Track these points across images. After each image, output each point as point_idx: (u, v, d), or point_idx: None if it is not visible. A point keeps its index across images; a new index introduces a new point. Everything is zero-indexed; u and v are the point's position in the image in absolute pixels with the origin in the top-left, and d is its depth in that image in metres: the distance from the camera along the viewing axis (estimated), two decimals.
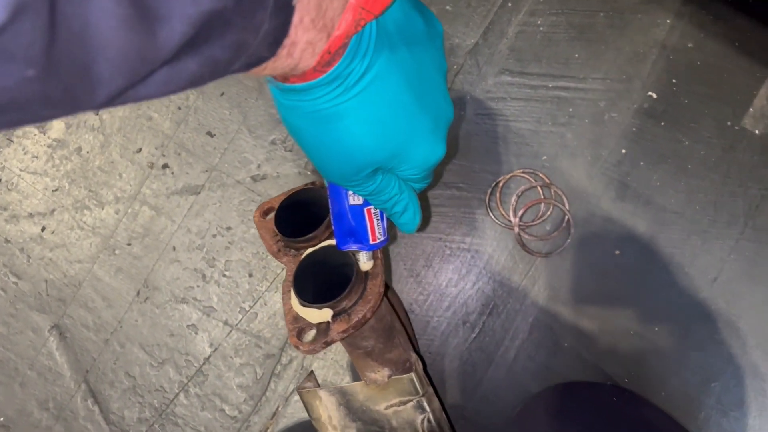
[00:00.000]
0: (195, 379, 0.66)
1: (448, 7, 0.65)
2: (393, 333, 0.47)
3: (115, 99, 0.20)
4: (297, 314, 0.41)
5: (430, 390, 0.51)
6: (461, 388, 0.61)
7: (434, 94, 0.35)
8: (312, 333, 0.41)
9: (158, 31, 0.18)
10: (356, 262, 0.43)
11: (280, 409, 0.65)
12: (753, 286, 0.59)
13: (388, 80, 0.31)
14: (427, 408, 0.49)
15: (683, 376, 0.60)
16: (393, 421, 0.49)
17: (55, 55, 0.17)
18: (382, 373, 0.48)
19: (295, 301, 0.42)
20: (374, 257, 0.44)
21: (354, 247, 0.42)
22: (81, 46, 0.17)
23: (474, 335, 0.62)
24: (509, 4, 0.64)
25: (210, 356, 0.66)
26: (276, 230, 0.47)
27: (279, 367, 0.65)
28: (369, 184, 0.36)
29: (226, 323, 0.66)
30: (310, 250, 0.45)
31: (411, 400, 0.48)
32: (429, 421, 0.49)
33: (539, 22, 0.63)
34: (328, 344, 0.40)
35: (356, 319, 0.39)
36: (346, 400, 0.50)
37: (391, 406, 0.48)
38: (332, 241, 0.45)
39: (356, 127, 0.32)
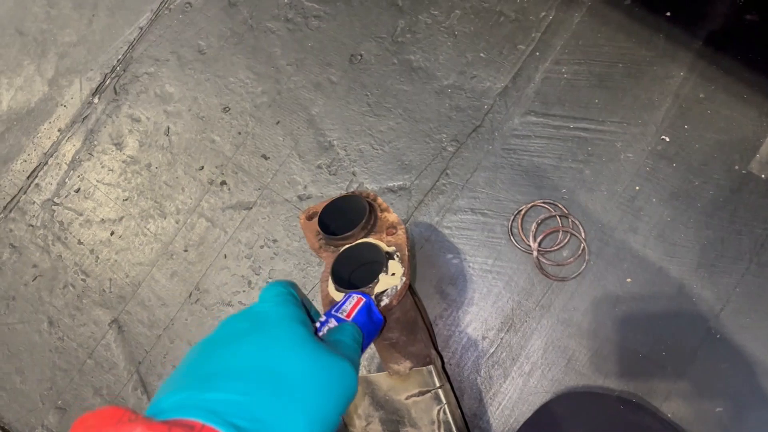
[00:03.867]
0: None
1: (482, 54, 0.73)
2: (416, 328, 0.53)
3: None
4: (333, 299, 0.48)
5: (447, 385, 0.56)
6: (478, 399, 0.66)
7: (300, 387, 0.30)
8: None
9: None
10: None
11: None
12: (757, 320, 0.63)
13: None
14: (443, 399, 0.54)
15: (689, 400, 0.63)
16: (412, 411, 0.54)
17: None
18: (404, 365, 0.54)
19: (331, 287, 0.48)
20: (402, 264, 0.50)
21: (367, 299, 0.46)
22: None
23: (492, 350, 0.67)
24: (537, 54, 0.72)
25: None
26: (319, 230, 0.54)
27: None
28: None
29: None
30: (346, 246, 0.52)
31: (429, 391, 0.54)
32: (444, 412, 0.54)
33: (563, 70, 0.70)
34: None
35: (384, 304, 0.46)
36: (371, 390, 0.55)
37: (411, 396, 0.54)
38: (366, 240, 0.52)
39: None
